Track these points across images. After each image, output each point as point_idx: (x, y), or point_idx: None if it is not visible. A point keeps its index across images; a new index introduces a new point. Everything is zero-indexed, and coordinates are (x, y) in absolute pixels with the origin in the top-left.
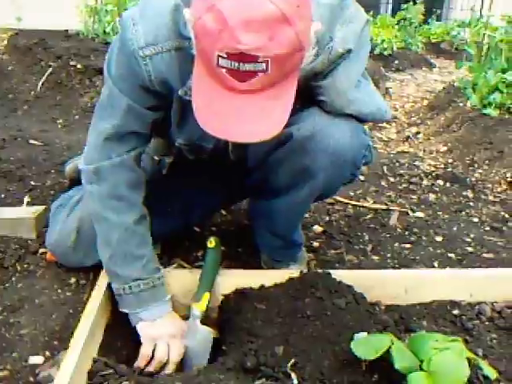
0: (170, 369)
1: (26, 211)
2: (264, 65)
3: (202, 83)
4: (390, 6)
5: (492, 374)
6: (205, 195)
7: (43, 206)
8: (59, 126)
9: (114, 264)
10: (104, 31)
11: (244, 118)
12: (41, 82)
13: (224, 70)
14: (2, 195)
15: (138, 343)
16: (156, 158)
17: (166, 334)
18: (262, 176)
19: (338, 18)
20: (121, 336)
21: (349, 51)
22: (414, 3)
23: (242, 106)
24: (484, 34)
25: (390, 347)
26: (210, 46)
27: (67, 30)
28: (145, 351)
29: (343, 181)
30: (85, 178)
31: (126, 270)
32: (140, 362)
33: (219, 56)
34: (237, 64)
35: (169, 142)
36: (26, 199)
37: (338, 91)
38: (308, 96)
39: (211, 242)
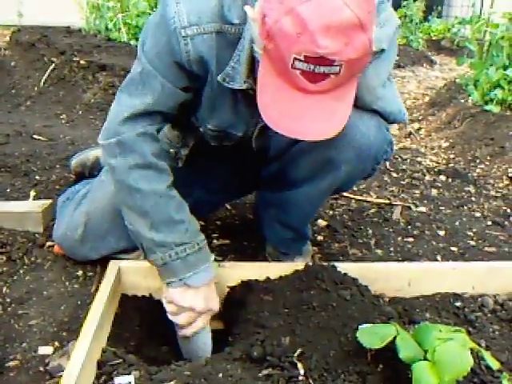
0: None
1: (33, 205)
2: (338, 68)
3: (268, 82)
4: (391, 3)
5: (495, 364)
6: (215, 193)
7: (50, 200)
8: (63, 122)
9: (157, 232)
10: (106, 27)
11: (312, 117)
12: (44, 78)
13: (298, 72)
14: (8, 190)
15: (145, 333)
16: (172, 150)
17: (203, 308)
18: (281, 167)
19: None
20: (129, 327)
21: (382, 51)
22: (415, 0)
23: (311, 106)
24: (485, 31)
25: (394, 337)
26: (286, 48)
27: (69, 27)
28: (179, 321)
29: (364, 175)
30: (107, 152)
31: (170, 236)
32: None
33: (296, 58)
34: (312, 67)
35: (184, 133)
36: (32, 194)
37: (368, 87)
38: None
39: None
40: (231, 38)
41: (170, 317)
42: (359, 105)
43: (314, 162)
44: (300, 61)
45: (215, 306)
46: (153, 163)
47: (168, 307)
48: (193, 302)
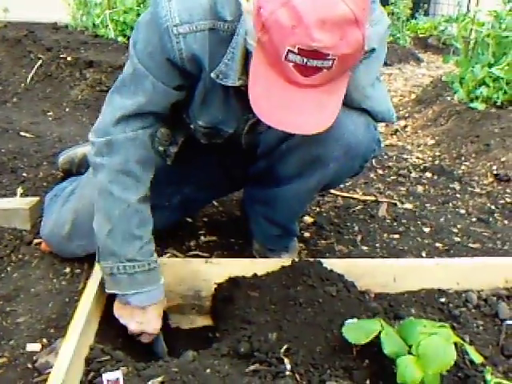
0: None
1: (20, 202)
2: (330, 62)
3: (260, 73)
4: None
5: (478, 358)
6: (203, 190)
7: (37, 197)
8: (50, 119)
9: (112, 240)
10: (93, 24)
11: (302, 110)
12: (30, 75)
13: (291, 65)
14: None
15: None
16: (161, 148)
17: (133, 330)
18: (269, 163)
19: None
20: (116, 323)
21: (372, 50)
22: None
23: (301, 99)
24: (471, 29)
25: (379, 332)
26: (280, 40)
27: (56, 23)
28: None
29: (351, 172)
30: (95, 150)
31: (123, 249)
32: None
33: (289, 51)
34: (305, 60)
35: (173, 131)
36: (19, 191)
37: (357, 85)
38: None
39: None
40: (224, 35)
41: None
42: (348, 103)
43: (303, 159)
44: (293, 53)
45: (150, 328)
46: (133, 172)
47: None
48: (127, 321)
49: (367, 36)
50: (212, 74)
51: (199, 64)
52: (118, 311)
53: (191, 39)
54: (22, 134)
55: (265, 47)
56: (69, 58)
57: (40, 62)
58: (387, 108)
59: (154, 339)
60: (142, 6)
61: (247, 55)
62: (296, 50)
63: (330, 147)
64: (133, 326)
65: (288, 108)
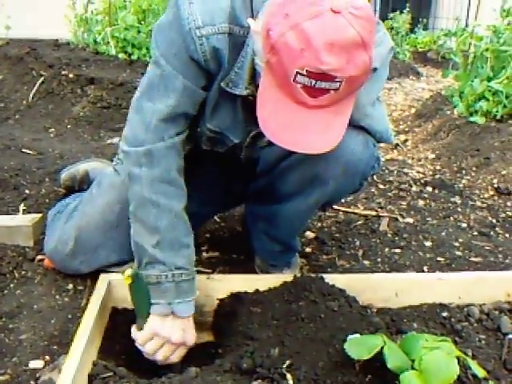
0: (161, 362)
1: (23, 219)
2: (338, 84)
3: (269, 94)
4: (378, 15)
5: (480, 372)
6: (205, 205)
7: (40, 214)
8: (51, 135)
9: (161, 251)
10: (95, 41)
11: (310, 130)
12: (32, 92)
13: (299, 86)
14: None
15: (135, 346)
16: None
17: (178, 340)
18: (270, 181)
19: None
20: (119, 340)
21: (374, 70)
22: (401, 12)
23: (309, 119)
24: (470, 44)
25: (382, 347)
26: (290, 62)
27: (57, 40)
28: (147, 349)
29: (351, 190)
30: (132, 160)
31: (172, 258)
32: (141, 343)
33: (298, 73)
34: (314, 82)
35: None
36: (22, 207)
37: (357, 104)
38: None
39: (127, 279)
40: (239, 41)
41: (141, 347)
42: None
43: (302, 177)
44: (302, 75)
45: (190, 340)
46: (175, 179)
47: (142, 336)
48: (170, 330)
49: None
50: (222, 84)
51: (221, 64)
52: (157, 325)
53: (214, 40)
54: (24, 150)
55: (273, 68)
56: (70, 75)
57: (42, 79)
58: (386, 128)
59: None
60: (142, 23)
61: (255, 66)
62: (305, 72)
63: (329, 165)
64: (176, 336)
65: (296, 128)
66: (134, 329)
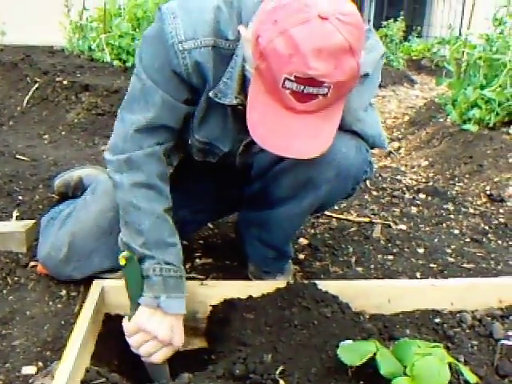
0: (145, 360)
1: (16, 225)
2: (326, 89)
3: (259, 100)
4: (372, 23)
5: (472, 378)
6: (198, 212)
7: (33, 221)
8: (45, 142)
9: (148, 250)
10: (89, 48)
11: (299, 136)
12: (27, 98)
13: (288, 92)
14: None
15: (128, 353)
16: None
17: (164, 337)
18: (263, 186)
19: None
20: (112, 346)
21: (366, 75)
22: (395, 20)
23: (298, 124)
24: (463, 52)
25: (374, 354)
26: (278, 68)
27: (52, 47)
28: (132, 341)
29: (344, 194)
30: (114, 167)
31: (160, 255)
32: (127, 334)
33: (286, 78)
34: (302, 87)
35: (170, 153)
36: (15, 214)
37: (349, 108)
38: None
39: (122, 260)
40: (225, 53)
41: (128, 339)
42: (340, 125)
43: (295, 181)
44: (290, 81)
45: (178, 341)
46: (156, 184)
47: (128, 327)
48: (157, 326)
49: (362, 62)
50: (210, 94)
51: (204, 78)
52: (144, 319)
53: (196, 54)
54: (18, 157)
55: (262, 74)
56: (65, 82)
57: (36, 85)
58: (378, 133)
59: (160, 367)
60: (137, 30)
61: (244, 75)
62: (293, 78)
63: (321, 169)
64: (163, 332)
65: (285, 133)
66: (125, 319)
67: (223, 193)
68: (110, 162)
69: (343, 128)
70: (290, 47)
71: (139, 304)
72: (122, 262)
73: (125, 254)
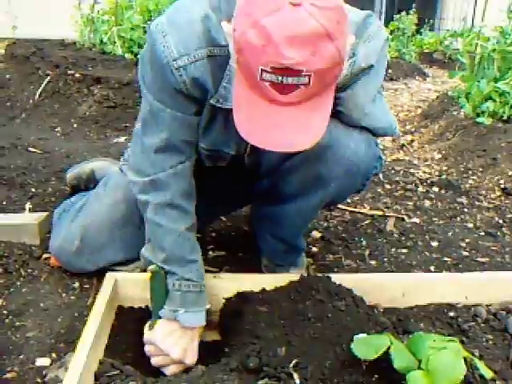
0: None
1: (30, 217)
2: (306, 78)
3: (242, 95)
4: (383, 16)
5: (488, 373)
6: (210, 205)
7: (46, 213)
8: (58, 134)
9: (170, 265)
10: (101, 41)
11: (285, 128)
12: (39, 91)
13: (267, 84)
14: (4, 202)
15: (141, 345)
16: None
17: (177, 356)
18: (273, 182)
19: (362, 35)
20: (126, 338)
21: (370, 67)
22: (407, 13)
23: (283, 117)
24: (476, 44)
25: (389, 347)
26: (253, 60)
27: (64, 40)
28: (147, 350)
29: (354, 190)
30: (138, 188)
31: (180, 271)
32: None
33: (263, 70)
34: (280, 78)
35: None
36: (28, 206)
37: (356, 104)
38: None
39: (149, 273)
40: (221, 60)
41: (145, 345)
42: (347, 121)
43: (305, 178)
44: (267, 72)
45: (190, 360)
46: (180, 204)
47: (146, 336)
48: (171, 346)
49: (365, 53)
50: (212, 101)
51: (204, 89)
52: (160, 336)
53: (191, 69)
54: (31, 149)
55: (242, 68)
56: (77, 75)
57: (48, 78)
58: (388, 122)
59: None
60: (148, 23)
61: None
62: (269, 69)
63: (331, 166)
64: (176, 352)
65: (272, 127)
66: (146, 326)
67: (235, 187)
68: (134, 183)
69: (352, 124)
70: (262, 38)
71: (160, 316)
72: (149, 275)
73: (152, 267)
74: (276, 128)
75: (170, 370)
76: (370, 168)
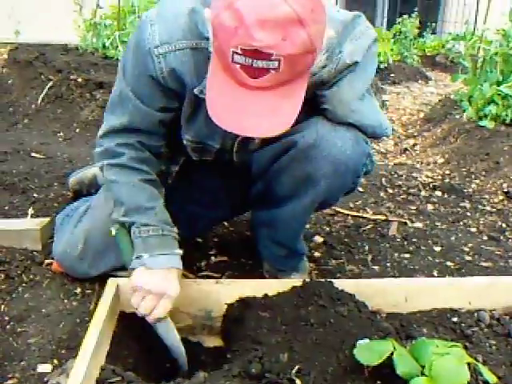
0: (149, 320)
1: (32, 223)
2: (276, 63)
3: (215, 77)
4: (386, 20)
5: (492, 378)
6: (208, 207)
7: (48, 218)
8: (60, 140)
9: (129, 216)
10: (103, 45)
11: (253, 113)
12: (41, 96)
13: (238, 66)
14: (6, 207)
15: (143, 351)
16: (163, 167)
17: (157, 289)
18: (266, 184)
19: (349, 34)
20: (127, 344)
21: (355, 63)
22: (409, 16)
23: (252, 101)
24: (479, 48)
25: (392, 353)
26: (226, 42)
27: (66, 45)
28: (132, 301)
29: (344, 189)
30: (97, 158)
31: (139, 218)
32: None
33: (234, 52)
34: (250, 60)
35: (175, 151)
36: (30, 211)
37: (341, 100)
38: (314, 105)
39: (110, 233)
40: (208, 53)
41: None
42: (332, 118)
43: (295, 178)
44: (238, 54)
45: (172, 290)
46: (133, 166)
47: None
48: (147, 279)
49: (350, 50)
50: (195, 90)
51: (181, 81)
52: (134, 278)
53: (171, 58)
54: (33, 154)
55: (216, 51)
56: (79, 80)
57: (50, 83)
58: (378, 121)
59: (169, 330)
60: None
61: None
62: (239, 51)
63: (318, 165)
64: (154, 283)
65: (241, 111)
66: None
67: (232, 189)
68: (94, 154)
69: (338, 121)
70: (235, 19)
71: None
72: (110, 235)
73: (112, 227)
74: (244, 112)
75: (159, 310)
76: (359, 166)
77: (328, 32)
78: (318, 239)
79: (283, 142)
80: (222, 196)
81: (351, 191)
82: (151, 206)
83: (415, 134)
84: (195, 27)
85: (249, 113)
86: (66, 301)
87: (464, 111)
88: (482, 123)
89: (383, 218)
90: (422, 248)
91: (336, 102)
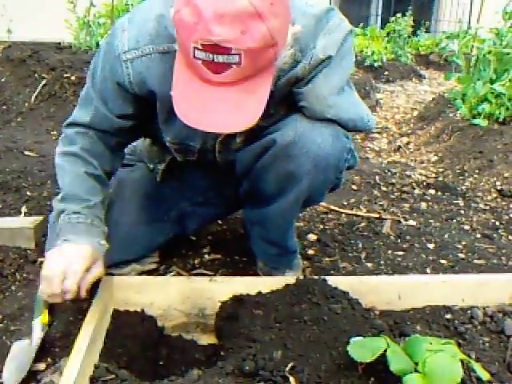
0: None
1: (25, 221)
2: (237, 57)
3: (180, 74)
4: (380, 18)
5: (485, 375)
6: (199, 205)
7: (41, 216)
8: (53, 138)
9: (65, 203)
10: (97, 44)
11: (218, 109)
12: (34, 94)
13: (200, 62)
14: None
15: (137, 349)
16: (151, 165)
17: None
18: (251, 184)
19: (322, 29)
20: (121, 342)
21: (329, 58)
22: (403, 15)
23: (216, 97)
24: (472, 46)
25: (385, 350)
26: (186, 37)
27: (60, 43)
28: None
29: (328, 185)
30: (60, 143)
31: (72, 207)
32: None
33: (195, 48)
34: (211, 55)
35: (162, 150)
36: (23, 210)
37: (318, 96)
38: (292, 103)
39: None
40: None
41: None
42: (311, 115)
43: (278, 176)
44: (199, 50)
45: (77, 267)
46: (84, 156)
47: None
48: (58, 254)
49: (323, 44)
50: (172, 92)
51: (147, 87)
52: (49, 260)
53: (137, 64)
54: (26, 153)
55: (180, 48)
56: (73, 78)
57: (44, 81)
58: (358, 115)
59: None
60: None
61: None
62: (200, 46)
63: (299, 162)
64: (58, 264)
65: (204, 107)
66: None
67: (222, 188)
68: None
69: (316, 117)
70: (194, 15)
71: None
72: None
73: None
74: (207, 108)
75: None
76: (340, 161)
77: (294, 28)
78: (312, 237)
79: (263, 141)
80: (212, 194)
81: (336, 187)
82: (88, 198)
83: (409, 132)
84: (165, 31)
85: (213, 109)
86: None
87: (457, 109)
88: (475, 121)
89: (377, 215)
90: (416, 246)
91: (313, 98)
